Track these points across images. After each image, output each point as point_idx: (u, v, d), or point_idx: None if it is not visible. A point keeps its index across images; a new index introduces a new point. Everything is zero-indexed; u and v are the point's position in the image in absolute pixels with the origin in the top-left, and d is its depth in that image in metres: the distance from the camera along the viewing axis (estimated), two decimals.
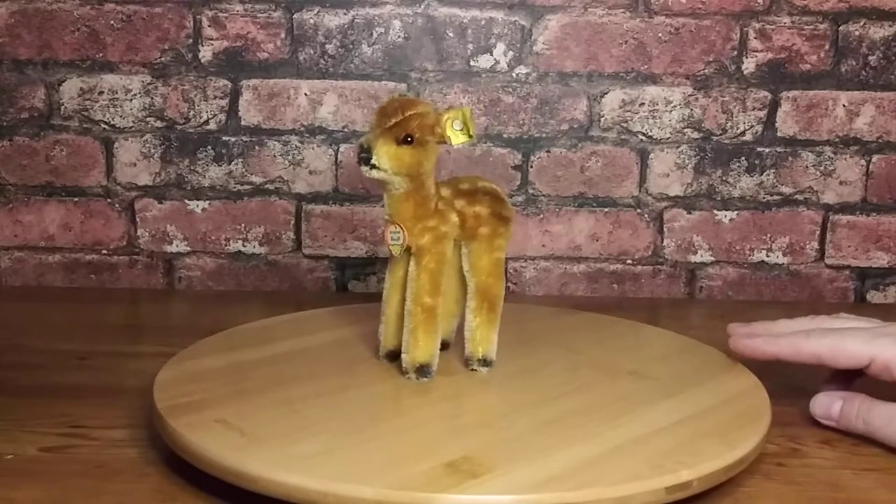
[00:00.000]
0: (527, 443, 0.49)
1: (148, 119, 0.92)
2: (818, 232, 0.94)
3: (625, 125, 0.92)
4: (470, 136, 0.54)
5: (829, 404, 0.57)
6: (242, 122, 0.92)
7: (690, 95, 0.91)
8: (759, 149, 0.92)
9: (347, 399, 0.55)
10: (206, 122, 0.92)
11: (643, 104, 0.92)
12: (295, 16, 0.90)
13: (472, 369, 0.61)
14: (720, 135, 0.92)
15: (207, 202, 0.93)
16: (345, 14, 0.90)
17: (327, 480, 0.43)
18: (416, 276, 0.58)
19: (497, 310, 0.61)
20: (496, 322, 0.61)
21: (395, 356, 0.60)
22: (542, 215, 0.93)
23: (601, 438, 0.50)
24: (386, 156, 0.54)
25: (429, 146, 0.55)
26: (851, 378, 0.59)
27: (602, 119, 0.92)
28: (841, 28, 0.90)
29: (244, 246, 0.94)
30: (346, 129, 0.92)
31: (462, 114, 0.54)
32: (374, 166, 0.54)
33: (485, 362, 0.61)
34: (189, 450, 0.48)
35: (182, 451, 0.48)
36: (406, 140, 0.54)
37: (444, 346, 0.62)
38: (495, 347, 0.61)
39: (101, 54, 0.91)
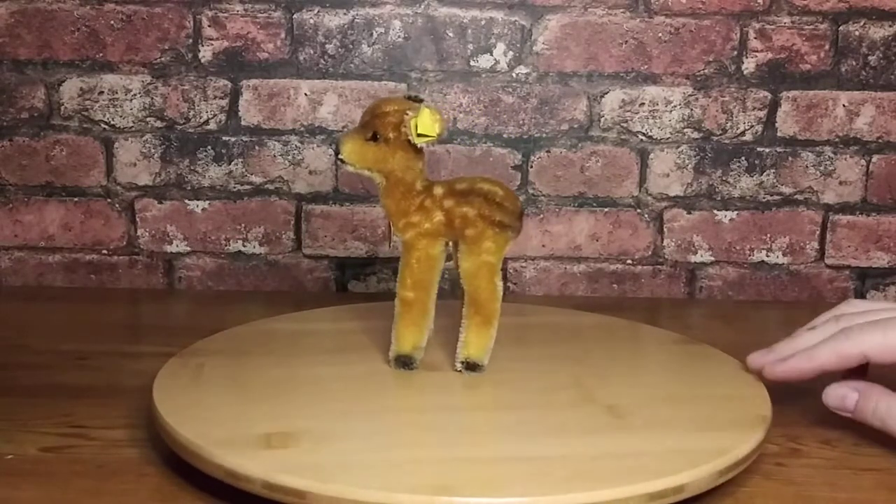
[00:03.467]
0: (387, 437, 0.50)
1: (148, 119, 0.92)
2: (818, 232, 0.94)
3: (625, 125, 0.92)
4: (429, 136, 0.56)
5: (843, 395, 0.54)
6: (242, 122, 0.92)
7: (690, 95, 0.91)
8: (759, 149, 0.92)
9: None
10: (206, 122, 0.92)
11: (643, 104, 0.92)
12: (295, 16, 0.90)
13: (456, 370, 0.61)
14: (720, 135, 0.92)
15: (207, 202, 0.93)
16: (345, 14, 0.90)
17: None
18: (400, 270, 0.60)
19: (486, 314, 0.59)
20: (486, 328, 0.60)
21: None
22: (542, 215, 0.93)
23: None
24: (350, 151, 0.58)
25: (393, 143, 0.57)
26: (865, 369, 0.57)
27: (602, 119, 0.92)
28: (841, 28, 0.90)
29: (244, 246, 0.94)
30: (346, 129, 0.92)
31: (423, 114, 0.56)
32: (342, 160, 0.58)
33: (468, 365, 0.60)
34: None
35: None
36: (373, 137, 0.57)
37: None
38: (485, 353, 0.60)
39: (101, 54, 0.91)
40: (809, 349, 0.56)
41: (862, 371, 0.57)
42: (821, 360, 0.54)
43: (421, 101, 0.58)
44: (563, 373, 0.61)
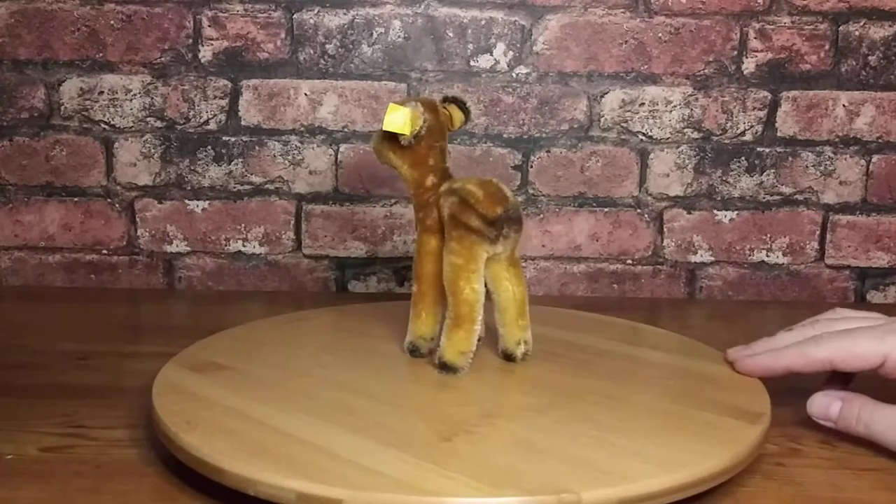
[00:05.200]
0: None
1: (148, 119, 0.92)
2: (818, 232, 0.94)
3: (625, 125, 0.92)
4: (401, 134, 0.59)
5: (827, 405, 0.56)
6: (242, 122, 0.92)
7: (690, 95, 0.91)
8: (759, 149, 0.92)
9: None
10: (206, 122, 0.92)
11: (643, 104, 0.92)
12: (295, 16, 0.90)
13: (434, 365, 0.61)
14: (720, 135, 0.92)
15: (207, 202, 0.93)
16: (345, 14, 0.90)
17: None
18: None
19: (454, 317, 0.58)
20: (455, 330, 0.59)
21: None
22: (542, 215, 0.93)
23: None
24: (374, 146, 0.62)
25: (392, 141, 0.60)
26: (850, 377, 0.59)
27: (602, 119, 0.92)
28: (841, 28, 0.90)
29: (244, 246, 0.94)
30: (346, 129, 0.92)
31: (389, 111, 0.59)
32: None
33: (441, 365, 0.59)
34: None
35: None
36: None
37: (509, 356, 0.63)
38: (458, 357, 0.59)
39: (101, 54, 0.91)
40: (779, 349, 0.58)
41: (845, 381, 0.58)
42: (787, 361, 0.57)
43: (463, 101, 0.61)
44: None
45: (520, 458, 0.47)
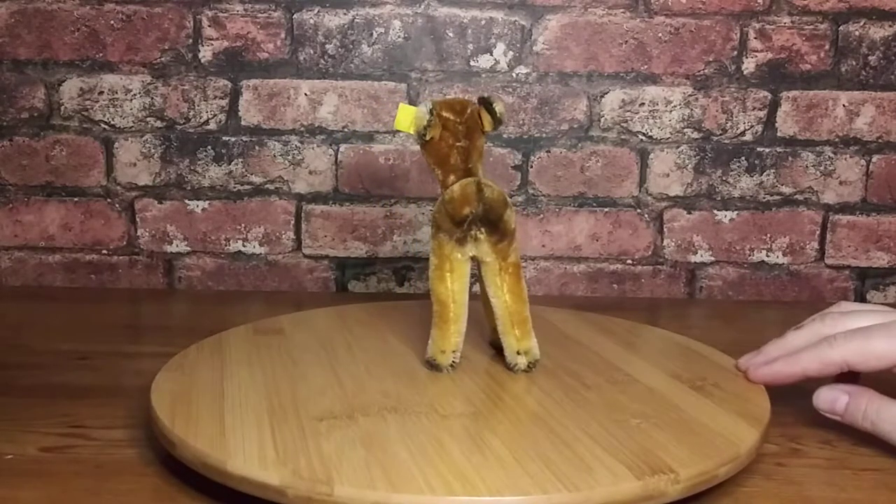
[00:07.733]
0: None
1: (148, 119, 0.92)
2: (818, 232, 0.94)
3: (625, 125, 0.92)
4: (408, 132, 0.59)
5: (833, 399, 0.55)
6: (242, 122, 0.92)
7: (690, 95, 0.91)
8: (759, 149, 0.92)
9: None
10: (206, 122, 0.92)
11: (643, 104, 0.92)
12: (295, 16, 0.90)
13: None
14: (720, 135, 0.92)
15: (207, 202, 0.93)
16: (345, 14, 0.90)
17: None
18: None
19: (434, 316, 0.59)
20: (435, 329, 0.59)
21: (496, 347, 0.63)
22: (542, 215, 0.93)
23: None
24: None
25: (421, 139, 0.60)
26: (857, 374, 0.58)
27: (602, 119, 0.92)
28: (841, 28, 0.90)
29: (244, 246, 0.94)
30: (346, 129, 0.92)
31: (399, 110, 0.59)
32: None
33: (426, 362, 0.60)
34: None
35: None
36: None
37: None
38: (438, 354, 0.59)
39: (101, 54, 0.91)
40: (793, 355, 0.56)
41: (854, 375, 0.57)
42: (803, 366, 0.55)
43: (490, 103, 0.59)
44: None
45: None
